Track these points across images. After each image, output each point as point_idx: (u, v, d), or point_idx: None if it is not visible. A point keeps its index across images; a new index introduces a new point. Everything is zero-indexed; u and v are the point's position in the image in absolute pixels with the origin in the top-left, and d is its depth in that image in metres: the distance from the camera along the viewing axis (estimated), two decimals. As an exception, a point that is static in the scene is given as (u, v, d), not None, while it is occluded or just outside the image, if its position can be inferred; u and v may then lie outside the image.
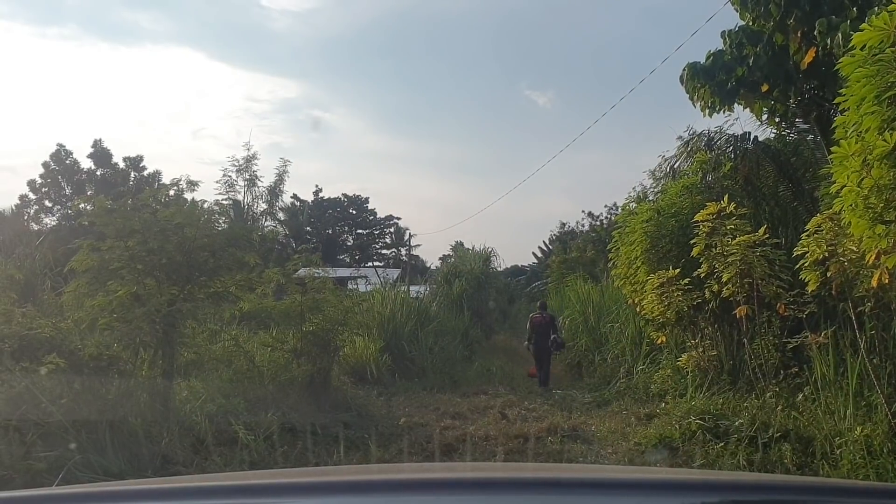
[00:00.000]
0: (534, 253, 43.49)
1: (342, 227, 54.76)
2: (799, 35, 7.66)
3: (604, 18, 72.49)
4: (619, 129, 74.18)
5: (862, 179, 4.55)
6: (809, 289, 6.27)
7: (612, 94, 75.00)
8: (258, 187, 29.40)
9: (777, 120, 10.20)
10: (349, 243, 54.74)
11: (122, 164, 38.45)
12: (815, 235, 6.05)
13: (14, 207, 35.09)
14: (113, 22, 66.63)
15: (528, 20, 72.85)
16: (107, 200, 7.70)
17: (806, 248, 6.12)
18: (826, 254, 5.93)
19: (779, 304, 7.29)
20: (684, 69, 9.16)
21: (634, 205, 11.57)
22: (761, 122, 10.35)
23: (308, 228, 48.58)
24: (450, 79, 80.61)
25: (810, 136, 10.31)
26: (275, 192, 30.68)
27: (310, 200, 50.21)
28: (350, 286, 23.01)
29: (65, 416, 5.57)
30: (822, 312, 7.20)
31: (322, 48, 76.48)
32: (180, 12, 68.86)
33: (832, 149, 4.88)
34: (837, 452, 5.71)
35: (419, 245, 54.25)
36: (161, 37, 67.44)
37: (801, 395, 6.96)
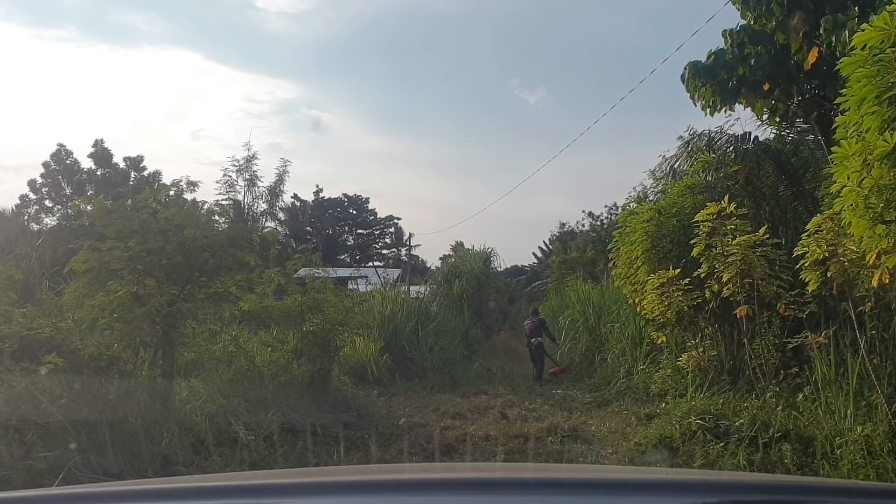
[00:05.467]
0: (534, 253, 43.60)
1: (342, 227, 54.75)
2: (801, 35, 7.66)
3: (602, 18, 72.44)
4: (618, 130, 74.26)
5: (862, 179, 4.55)
6: (810, 289, 6.26)
7: (611, 94, 74.88)
8: (258, 187, 29.50)
9: (778, 120, 10.20)
10: (349, 243, 54.74)
11: (122, 165, 38.53)
12: (816, 235, 6.05)
13: (14, 207, 35.15)
14: (110, 24, 66.62)
15: (525, 20, 72.83)
16: (106, 201, 7.69)
17: (806, 248, 6.12)
18: (826, 254, 5.93)
19: (779, 304, 7.29)
20: (686, 68, 9.16)
21: (635, 205, 11.56)
22: (762, 121, 10.35)
23: (308, 228, 48.64)
24: (448, 79, 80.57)
25: (811, 136, 10.30)
26: (275, 192, 30.76)
27: (310, 200, 50.26)
28: (350, 286, 23.04)
29: (65, 416, 5.56)
30: (823, 312, 7.20)
31: (319, 49, 76.40)
32: (176, 14, 68.79)
33: (832, 149, 4.88)
34: (837, 452, 5.71)
35: (419, 245, 54.33)
36: (158, 38, 67.47)
37: (801, 395, 6.96)
